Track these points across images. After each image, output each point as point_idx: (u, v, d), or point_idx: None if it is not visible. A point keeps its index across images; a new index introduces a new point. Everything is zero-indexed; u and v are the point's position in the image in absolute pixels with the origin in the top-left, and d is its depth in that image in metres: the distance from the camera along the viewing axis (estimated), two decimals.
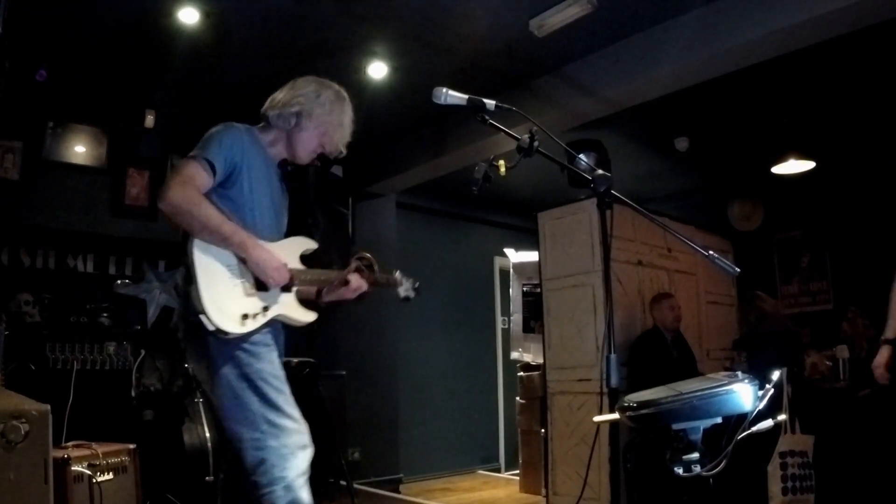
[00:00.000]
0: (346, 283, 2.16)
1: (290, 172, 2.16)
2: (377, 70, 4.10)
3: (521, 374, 5.48)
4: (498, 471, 6.69)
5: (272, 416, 1.81)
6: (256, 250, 1.89)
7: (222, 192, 1.94)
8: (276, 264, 1.92)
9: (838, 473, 3.50)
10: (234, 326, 1.82)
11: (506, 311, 6.59)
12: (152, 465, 3.43)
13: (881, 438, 3.60)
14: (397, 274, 2.40)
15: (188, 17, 3.50)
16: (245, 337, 1.85)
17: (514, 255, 5.84)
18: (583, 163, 2.76)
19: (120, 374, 4.19)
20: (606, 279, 1.85)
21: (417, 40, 3.82)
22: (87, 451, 2.79)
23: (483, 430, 6.81)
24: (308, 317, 2.06)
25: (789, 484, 3.24)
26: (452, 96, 1.89)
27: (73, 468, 2.64)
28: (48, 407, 2.19)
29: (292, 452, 1.80)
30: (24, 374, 3.68)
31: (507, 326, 6.38)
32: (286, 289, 1.99)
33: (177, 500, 3.59)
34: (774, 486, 3.22)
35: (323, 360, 4.47)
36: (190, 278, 1.81)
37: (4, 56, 2.68)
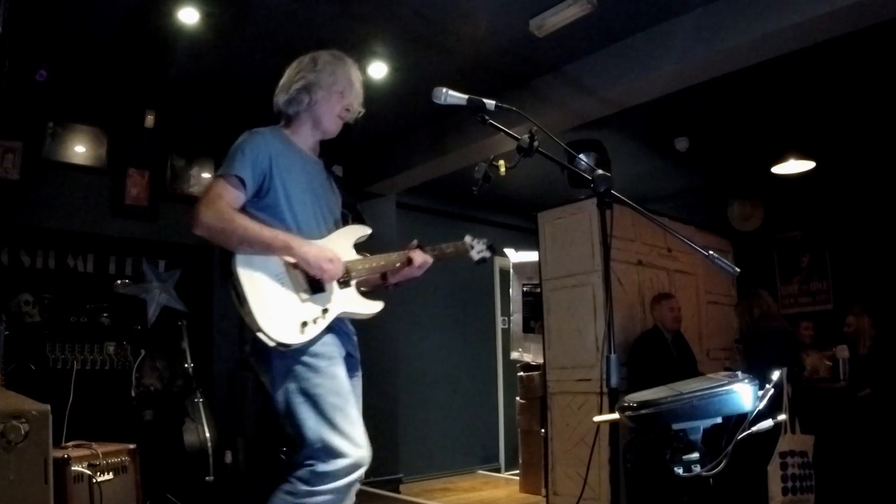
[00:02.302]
0: (409, 261, 2.06)
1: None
2: (377, 70, 4.10)
3: (521, 374, 5.48)
4: (498, 471, 6.69)
5: (328, 435, 1.73)
6: (303, 247, 1.81)
7: (258, 202, 1.88)
8: (328, 256, 1.84)
9: (838, 473, 3.50)
10: (293, 337, 1.74)
11: (506, 311, 6.59)
12: (152, 465, 3.43)
13: (881, 438, 3.61)
14: (466, 238, 2.27)
15: (188, 17, 3.50)
16: (306, 348, 1.77)
17: (514, 255, 5.84)
18: (583, 163, 2.75)
19: (120, 374, 4.19)
20: (606, 279, 1.85)
21: (417, 40, 3.82)
22: (87, 451, 2.80)
23: (483, 430, 6.81)
24: (374, 308, 1.97)
25: (789, 484, 3.24)
26: (452, 96, 1.89)
27: (73, 468, 2.65)
28: (48, 407, 2.18)
29: (339, 477, 1.71)
30: (24, 374, 3.68)
31: (507, 326, 6.38)
32: (344, 284, 1.91)
33: (177, 500, 3.60)
34: (774, 486, 3.22)
35: None
36: (240, 298, 1.73)
37: (4, 56, 2.68)
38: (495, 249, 2.31)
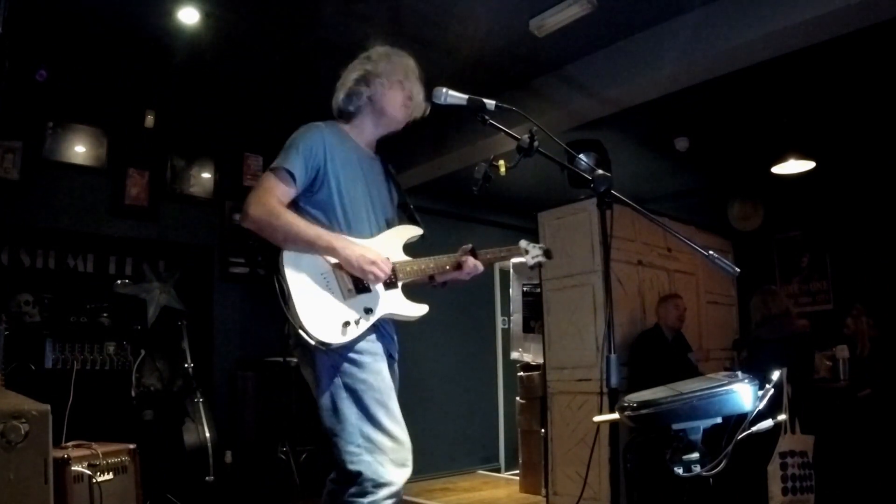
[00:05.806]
0: (459, 266, 2.05)
1: None
2: None
3: (521, 374, 5.48)
4: (498, 471, 6.69)
5: (369, 430, 1.75)
6: (347, 249, 1.81)
7: (311, 198, 1.89)
8: (373, 258, 1.82)
9: (838, 473, 3.50)
10: (335, 337, 1.75)
11: (506, 311, 6.59)
12: (152, 465, 3.43)
13: (881, 438, 3.61)
14: (522, 242, 2.23)
15: (188, 17, 3.50)
16: (349, 345, 1.78)
17: None
18: (583, 163, 2.75)
19: (120, 374, 4.19)
20: (606, 279, 1.85)
21: (418, 40, 3.81)
22: (87, 451, 2.80)
23: (483, 430, 6.81)
24: (418, 311, 1.98)
25: (789, 484, 3.24)
26: (452, 96, 1.89)
27: (73, 468, 2.65)
28: (48, 407, 2.18)
29: (386, 469, 1.73)
30: (24, 374, 3.69)
31: (507, 326, 6.37)
32: (390, 285, 1.91)
33: (177, 500, 3.60)
34: (774, 486, 3.22)
35: None
36: (284, 295, 1.73)
37: (4, 56, 2.67)
38: (551, 255, 2.28)
